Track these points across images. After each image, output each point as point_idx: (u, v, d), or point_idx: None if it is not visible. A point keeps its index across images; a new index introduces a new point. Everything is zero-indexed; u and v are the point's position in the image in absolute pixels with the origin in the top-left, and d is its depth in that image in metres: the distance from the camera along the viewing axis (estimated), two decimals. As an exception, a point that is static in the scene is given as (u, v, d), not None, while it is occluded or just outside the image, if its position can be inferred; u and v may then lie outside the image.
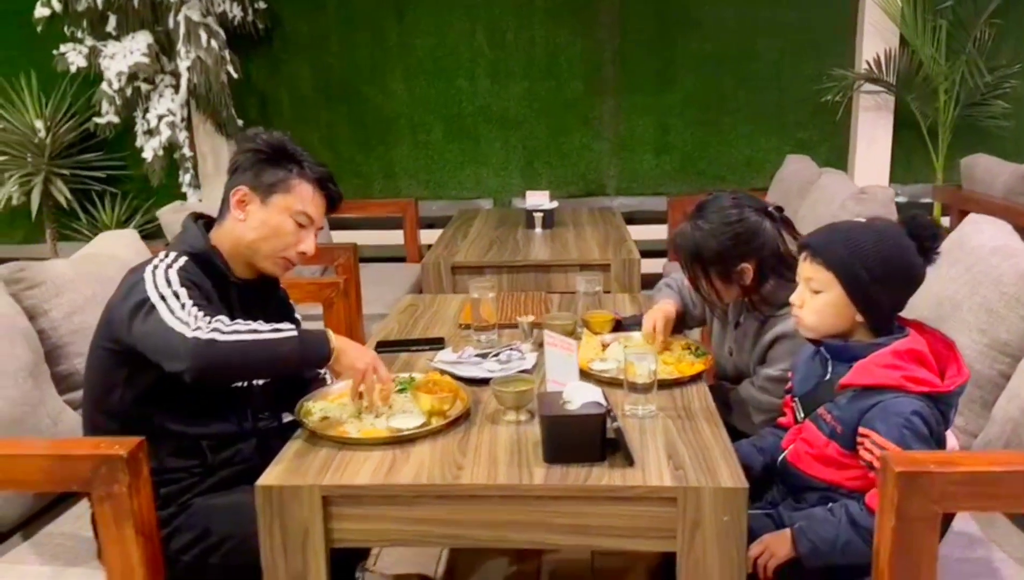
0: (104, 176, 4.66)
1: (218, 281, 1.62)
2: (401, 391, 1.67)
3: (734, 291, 1.83)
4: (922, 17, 4.13)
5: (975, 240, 2.06)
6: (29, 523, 1.73)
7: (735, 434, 1.74)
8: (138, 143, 4.24)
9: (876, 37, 4.30)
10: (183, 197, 4.31)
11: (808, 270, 1.50)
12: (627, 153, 4.67)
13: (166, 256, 1.59)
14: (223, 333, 1.43)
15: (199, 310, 1.46)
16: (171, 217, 3.03)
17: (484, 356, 1.87)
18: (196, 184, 4.31)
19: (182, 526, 1.54)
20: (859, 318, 1.47)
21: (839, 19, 4.40)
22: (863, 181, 4.15)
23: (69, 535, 1.69)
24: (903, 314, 1.51)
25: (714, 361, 1.96)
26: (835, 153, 4.51)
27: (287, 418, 1.79)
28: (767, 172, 4.29)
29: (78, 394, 1.94)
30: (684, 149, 4.64)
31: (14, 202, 4.48)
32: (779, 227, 1.83)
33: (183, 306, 1.46)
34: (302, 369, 1.61)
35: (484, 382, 1.71)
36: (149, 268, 1.54)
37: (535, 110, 4.64)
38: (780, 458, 1.59)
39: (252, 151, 1.66)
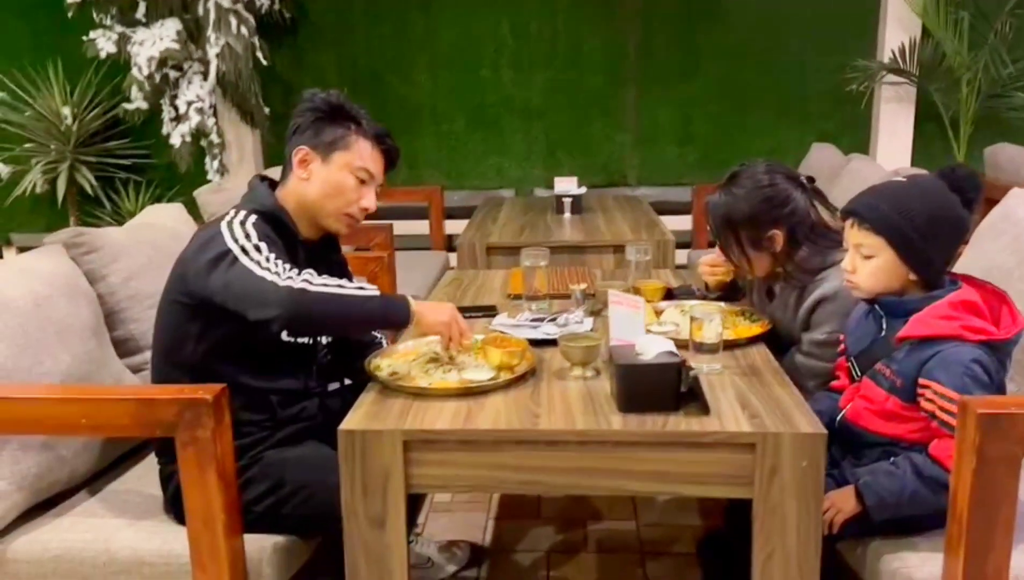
0: (129, 164, 4.68)
1: (287, 240, 1.64)
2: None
3: (765, 261, 1.84)
4: (944, 8, 4.16)
5: (1019, 212, 2.07)
6: (94, 480, 1.74)
7: None
8: (164, 130, 4.26)
9: (899, 28, 4.33)
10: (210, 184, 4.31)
11: (857, 236, 1.52)
12: (649, 144, 4.69)
13: (236, 213, 1.60)
14: (313, 285, 1.45)
15: (283, 262, 1.48)
16: (209, 197, 3.04)
17: (540, 321, 1.89)
18: (223, 171, 4.32)
19: (255, 477, 1.56)
20: (912, 277, 1.49)
21: (862, 10, 4.43)
22: (888, 164, 4.15)
23: (134, 491, 1.70)
24: (967, 264, 1.53)
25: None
26: (857, 143, 4.53)
27: (348, 382, 1.82)
28: (791, 162, 4.24)
29: (135, 359, 1.97)
30: (706, 140, 4.66)
31: (38, 190, 4.49)
32: (810, 196, 1.84)
33: (267, 258, 1.49)
34: (385, 328, 1.64)
35: (544, 343, 1.73)
36: (224, 223, 1.56)
37: (557, 101, 4.66)
38: (839, 418, 1.61)
39: (311, 110, 1.68)
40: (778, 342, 1.95)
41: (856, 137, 4.56)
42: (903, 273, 1.49)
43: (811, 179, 1.88)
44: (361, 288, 1.51)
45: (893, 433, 1.51)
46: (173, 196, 4.63)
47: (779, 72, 4.54)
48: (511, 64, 4.63)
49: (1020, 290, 1.87)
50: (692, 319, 1.59)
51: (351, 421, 1.40)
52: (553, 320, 1.89)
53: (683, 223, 4.45)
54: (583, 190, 3.69)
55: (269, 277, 1.45)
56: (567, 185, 3.69)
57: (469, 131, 4.72)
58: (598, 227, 3.33)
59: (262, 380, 1.61)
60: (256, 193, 1.68)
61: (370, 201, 1.70)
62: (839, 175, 3.44)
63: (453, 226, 4.37)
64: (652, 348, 1.45)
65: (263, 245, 1.51)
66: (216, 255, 1.50)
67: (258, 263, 1.47)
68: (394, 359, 1.66)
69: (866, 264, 1.51)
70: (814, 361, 1.84)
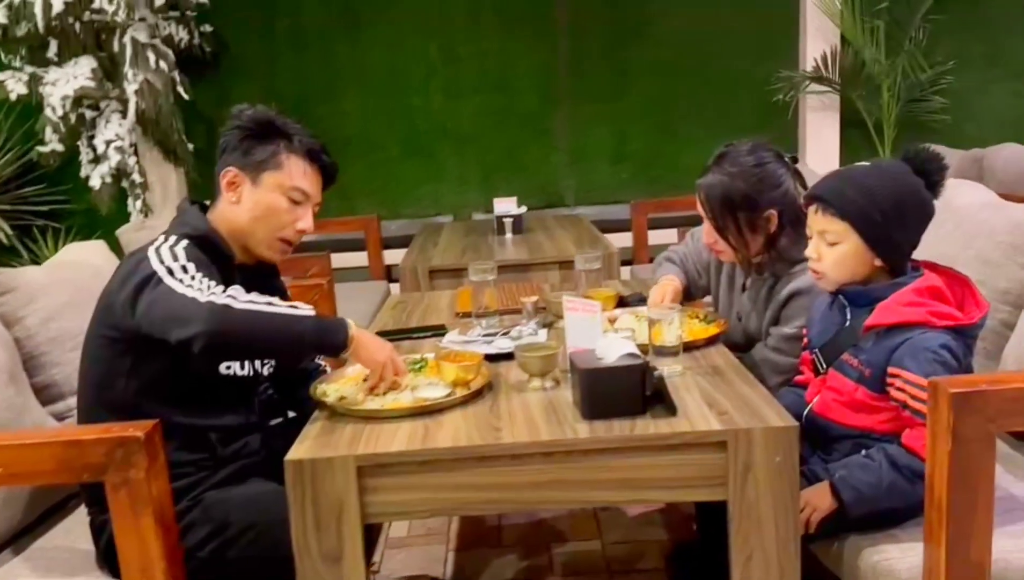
0: (46, 210, 4.48)
1: (222, 264, 1.54)
2: (417, 370, 1.61)
3: (759, 242, 1.83)
4: (860, 17, 4.30)
5: (959, 200, 2.10)
6: (18, 539, 1.60)
7: None
8: (83, 173, 4.09)
9: (819, 38, 4.45)
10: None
11: (821, 222, 1.50)
12: (584, 163, 4.70)
13: (166, 239, 1.51)
14: (238, 301, 1.36)
15: (210, 280, 1.39)
16: (133, 236, 2.91)
17: (493, 335, 1.83)
18: (147, 211, 4.16)
19: (197, 520, 1.45)
20: (878, 262, 1.48)
21: (784, 21, 4.53)
22: (817, 168, 4.24)
23: (63, 548, 1.57)
24: (916, 255, 1.52)
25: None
26: (786, 152, 4.59)
27: (292, 415, 1.72)
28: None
29: (58, 406, 1.84)
30: (640, 156, 4.69)
31: (-52, 240, 4.25)
32: (794, 177, 1.85)
33: (193, 277, 1.39)
34: (319, 352, 1.53)
35: (499, 358, 1.67)
36: (152, 248, 1.46)
37: (490, 124, 4.63)
38: (806, 412, 1.58)
39: (238, 128, 1.59)
40: (745, 337, 1.96)
41: (785, 146, 4.48)
42: (869, 259, 1.48)
43: (794, 158, 1.90)
44: (295, 306, 1.42)
45: (863, 425, 1.48)
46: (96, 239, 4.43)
47: (708, 86, 4.60)
48: (442, 89, 4.60)
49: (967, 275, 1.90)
50: (651, 322, 1.55)
51: (299, 450, 1.30)
52: (506, 334, 1.83)
53: (623, 240, 4.42)
54: (523, 210, 3.67)
55: (191, 294, 1.35)
56: (507, 206, 3.66)
57: (403, 159, 4.66)
58: (541, 245, 3.31)
59: (200, 417, 1.51)
60: (187, 216, 1.59)
61: (307, 222, 1.62)
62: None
63: (392, 256, 4.28)
64: (613, 351, 1.40)
65: (191, 265, 1.42)
66: (141, 280, 1.40)
67: (181, 281, 1.38)
68: (341, 384, 1.57)
69: (831, 251, 1.49)
70: (781, 356, 1.83)
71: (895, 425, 1.44)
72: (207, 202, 1.65)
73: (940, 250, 2.00)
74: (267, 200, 1.57)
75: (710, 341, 1.74)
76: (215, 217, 1.60)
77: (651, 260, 3.73)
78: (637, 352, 1.41)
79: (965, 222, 1.99)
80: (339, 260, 4.36)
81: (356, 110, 4.58)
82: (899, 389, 1.40)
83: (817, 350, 1.59)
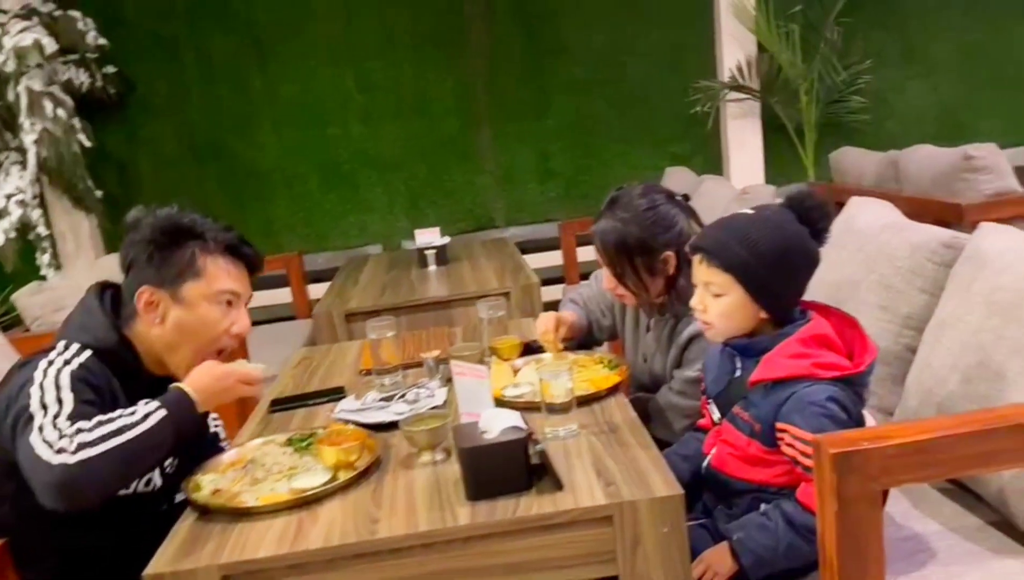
0: (-51, 269, 4.28)
1: (126, 380, 1.44)
2: (303, 447, 1.53)
3: (659, 284, 1.82)
4: (774, 23, 4.33)
5: (861, 221, 2.10)
6: None
7: (658, 445, 1.70)
8: (-15, 228, 3.92)
9: (735, 46, 4.48)
10: (42, 280, 3.99)
11: (705, 274, 1.47)
12: (510, 184, 4.68)
13: (66, 348, 1.40)
14: (89, 443, 1.25)
15: (81, 421, 1.28)
16: (29, 301, 2.78)
17: (390, 399, 1.77)
18: (56, 265, 4.01)
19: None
20: (763, 315, 1.45)
21: (700, 32, 4.56)
22: (741, 185, 4.26)
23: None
24: (817, 282, 1.50)
25: (629, 372, 1.93)
26: (711, 162, 4.64)
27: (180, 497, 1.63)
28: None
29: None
30: (566, 174, 4.68)
31: None
32: (688, 216, 1.85)
33: (54, 419, 1.28)
34: (184, 440, 1.44)
35: (393, 426, 1.61)
36: (43, 363, 1.36)
37: (413, 149, 4.59)
38: (705, 464, 1.56)
39: (141, 242, 1.48)
40: (652, 379, 1.96)
41: (708, 156, 4.67)
42: (754, 311, 1.45)
43: (686, 197, 1.90)
44: (146, 416, 1.32)
45: (759, 479, 1.45)
46: (5, 298, 4.26)
47: (627, 100, 4.61)
48: (360, 117, 4.53)
49: (868, 302, 1.89)
50: (540, 379, 1.51)
51: (159, 562, 1.22)
52: (403, 396, 1.77)
53: (554, 259, 4.42)
54: (446, 240, 3.61)
55: (45, 455, 1.24)
56: (429, 237, 3.60)
57: (324, 190, 4.58)
58: (463, 278, 3.27)
59: (95, 538, 1.41)
60: (91, 320, 1.45)
61: (242, 324, 1.52)
62: (694, 197, 3.43)
63: (320, 290, 4.18)
64: (497, 423, 1.35)
65: (68, 400, 1.31)
66: (17, 412, 1.31)
67: (41, 429, 1.26)
68: (219, 472, 1.49)
69: (716, 303, 1.46)
70: (685, 399, 1.82)
71: (790, 478, 1.41)
72: (118, 284, 1.52)
73: (844, 274, 2.01)
74: (195, 316, 1.46)
75: (612, 390, 1.71)
76: (132, 333, 1.48)
77: (584, 277, 3.73)
78: (521, 424, 1.35)
79: (867, 244, 1.99)
80: (265, 297, 4.26)
81: (273, 143, 4.49)
82: (789, 445, 1.37)
83: (712, 398, 1.56)
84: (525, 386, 1.74)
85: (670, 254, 1.79)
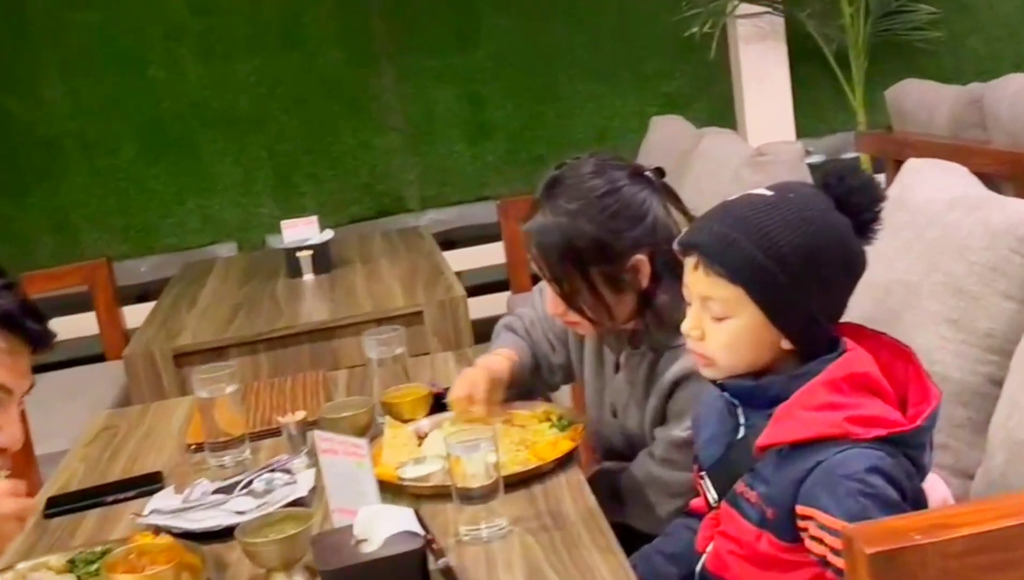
0: None
1: None
2: (91, 575, 1.51)
3: (628, 303, 1.83)
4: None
5: (921, 194, 2.11)
6: None
7: (634, 539, 1.73)
8: None
9: (746, -62, 4.52)
10: None
11: (704, 285, 1.47)
12: (427, 146, 4.68)
13: None
14: None
15: None
16: None
17: (229, 490, 1.76)
18: None
19: None
20: (787, 345, 1.46)
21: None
22: (760, 140, 4.30)
23: None
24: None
25: (589, 431, 1.94)
26: (718, 107, 4.68)
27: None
28: (630, 144, 4.38)
29: None
30: (509, 128, 4.69)
31: None
32: (664, 199, 1.86)
33: None
34: None
35: (230, 532, 1.58)
36: None
37: (279, 99, 4.57)
38: (699, 568, 1.56)
39: None
40: (624, 441, 1.97)
41: (715, 98, 4.72)
42: (773, 340, 1.45)
43: (660, 171, 1.90)
44: None
45: (775, 590, 1.45)
46: None
47: (596, 22, 4.63)
48: (196, 53, 4.50)
49: (931, 314, 1.91)
50: (448, 454, 1.53)
51: None
52: (249, 485, 1.76)
53: (492, 255, 4.43)
54: (328, 235, 3.59)
55: None
56: (303, 231, 3.58)
57: (145, 163, 4.54)
58: (353, 290, 3.27)
59: None
60: None
61: (11, 434, 1.51)
62: (687, 161, 3.49)
63: (140, 313, 4.11)
64: (380, 527, 1.37)
65: None
66: None
67: None
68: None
69: (719, 329, 1.46)
70: (673, 471, 1.82)
71: (821, 587, 1.41)
72: None
73: (895, 272, 2.02)
74: None
75: (562, 462, 1.72)
76: None
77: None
78: (416, 527, 1.36)
79: (929, 229, 1.99)
80: (59, 327, 4.17)
81: (63, 97, 4.44)
82: (815, 537, 1.36)
83: (706, 472, 1.56)
84: (434, 461, 1.75)
85: (641, 258, 1.79)
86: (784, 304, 1.43)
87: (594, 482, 1.89)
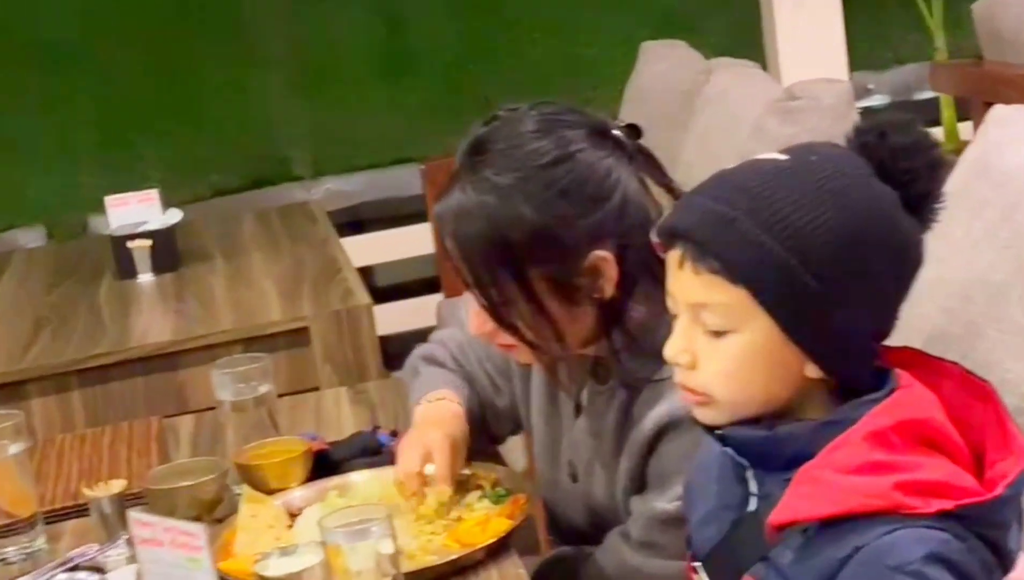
0: None
1: None
2: None
3: (587, 319, 1.84)
4: None
5: (1014, 156, 2.12)
6: None
7: None
8: None
9: None
10: None
11: (693, 289, 1.47)
12: (324, 87, 4.76)
13: None
14: None
15: None
16: None
17: None
18: None
19: None
20: (813, 372, 1.46)
21: None
22: (797, 76, 4.32)
23: None
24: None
25: (535, 500, 1.94)
26: (737, 30, 4.78)
27: None
28: (613, 82, 4.40)
29: None
30: (440, 62, 4.78)
31: None
32: (640, 170, 1.87)
33: None
34: None
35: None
36: None
37: (109, 23, 4.61)
38: None
39: None
40: (587, 512, 1.98)
41: (732, 20, 4.81)
42: (793, 366, 1.45)
43: (634, 130, 1.91)
44: None
45: None
46: None
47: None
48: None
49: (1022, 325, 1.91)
50: (324, 542, 1.54)
51: None
52: None
53: (415, 241, 4.45)
54: (176, 218, 3.59)
55: None
56: (136, 211, 3.60)
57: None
58: (211, 299, 3.29)
59: None
60: None
61: None
62: (690, 107, 3.51)
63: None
64: None
65: None
66: None
67: None
68: None
69: (717, 350, 1.46)
70: (656, 559, 1.83)
71: None
72: None
73: (971, 273, 2.03)
74: None
75: (498, 548, 1.74)
76: None
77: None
78: None
79: (1019, 211, 2.01)
80: None
81: None
82: (852, 652, 1.37)
83: (701, 562, 1.57)
84: (310, 551, 1.67)
85: (603, 256, 1.80)
86: (807, 312, 1.43)
87: (545, 574, 1.91)
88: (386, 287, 4.71)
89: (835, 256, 1.42)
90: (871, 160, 1.47)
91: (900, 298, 1.48)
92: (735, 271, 1.42)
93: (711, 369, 1.47)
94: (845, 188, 1.45)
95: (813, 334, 1.43)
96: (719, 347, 1.45)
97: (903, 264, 1.47)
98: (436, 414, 1.99)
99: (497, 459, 2.27)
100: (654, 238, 1.53)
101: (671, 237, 1.48)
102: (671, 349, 1.50)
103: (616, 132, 1.86)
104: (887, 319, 1.49)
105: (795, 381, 1.46)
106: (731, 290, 1.43)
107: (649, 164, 1.88)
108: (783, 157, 1.49)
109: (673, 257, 1.48)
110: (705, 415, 1.51)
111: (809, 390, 1.47)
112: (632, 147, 1.86)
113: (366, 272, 4.66)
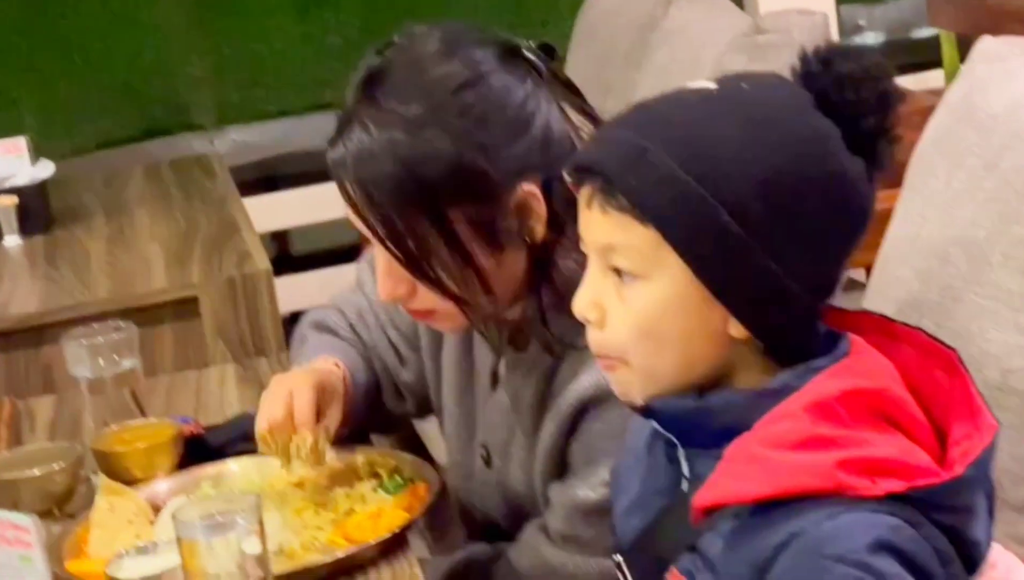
0: None
1: None
2: None
3: (514, 266, 1.88)
4: None
5: (999, 97, 2.14)
6: None
7: None
8: None
9: None
10: None
11: (600, 229, 1.50)
12: (228, 20, 4.78)
13: None
14: None
15: None
16: None
17: None
18: None
19: None
20: (737, 331, 1.47)
21: None
22: (776, 6, 4.35)
23: None
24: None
25: (444, 490, 1.96)
26: None
27: None
28: (562, 18, 4.43)
29: None
30: None
31: None
32: (558, 96, 1.90)
33: None
34: None
35: None
36: None
37: None
38: None
39: None
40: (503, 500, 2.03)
41: None
42: (715, 323, 1.46)
43: (548, 50, 1.93)
44: None
45: None
46: None
47: None
48: None
49: (1007, 290, 1.94)
50: (178, 538, 1.55)
51: None
52: None
53: (335, 203, 4.40)
54: (47, 171, 3.59)
55: None
56: (3, 164, 3.57)
57: None
58: (86, 265, 3.30)
59: None
60: None
61: None
62: (646, 43, 3.52)
63: None
64: None
65: None
66: None
67: None
68: None
69: (628, 302, 1.48)
70: (578, 556, 1.86)
71: None
72: None
73: (951, 231, 2.06)
74: None
75: (392, 546, 1.75)
76: None
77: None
78: None
79: (1006, 157, 2.02)
80: None
81: None
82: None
83: (622, 555, 1.58)
84: (172, 547, 1.68)
85: (531, 190, 1.83)
86: (725, 258, 1.45)
87: (456, 575, 1.93)
88: (303, 254, 4.78)
89: (759, 195, 1.43)
90: (813, 91, 1.48)
91: (843, 250, 1.49)
92: (644, 208, 1.44)
93: (621, 325, 1.48)
94: (777, 120, 1.46)
95: (733, 284, 1.45)
96: (629, 299, 1.47)
97: (844, 209, 1.48)
98: (301, 372, 2.03)
99: (419, 449, 2.29)
100: (565, 175, 1.54)
101: (581, 173, 1.50)
102: (579, 302, 1.51)
103: (527, 53, 1.88)
104: (827, 273, 1.49)
105: (719, 342, 1.47)
106: (641, 230, 1.44)
107: (567, 89, 1.90)
108: (712, 85, 1.50)
109: (583, 195, 1.49)
110: (620, 383, 1.52)
111: (741, 355, 1.48)
112: (547, 70, 1.89)
113: (280, 237, 4.72)
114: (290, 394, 1.91)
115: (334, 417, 1.95)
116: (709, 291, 1.44)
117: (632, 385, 1.51)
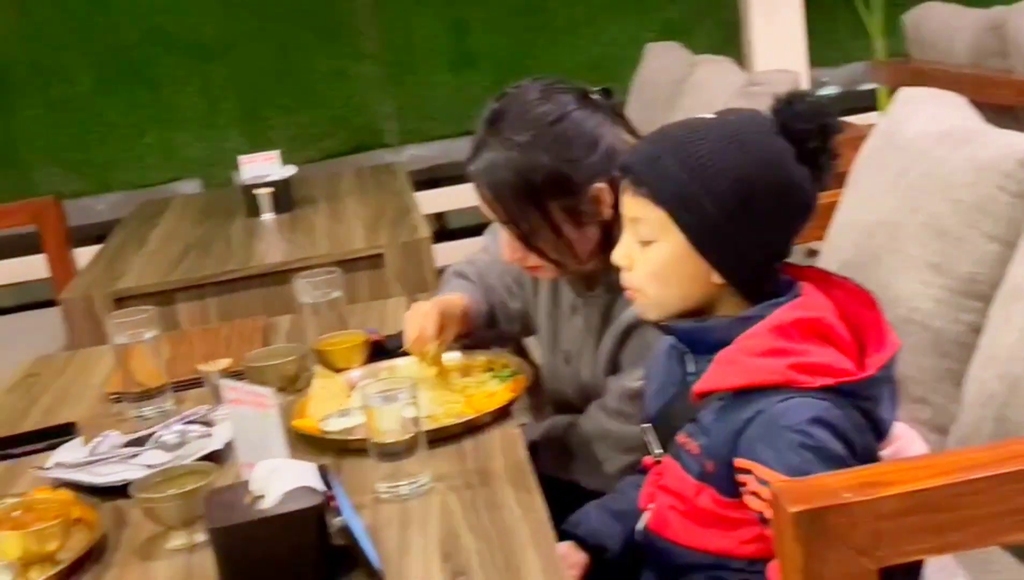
0: None
1: None
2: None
3: (592, 237, 1.84)
4: None
5: (911, 127, 2.07)
6: None
7: (584, 497, 1.74)
8: None
9: None
10: None
11: (632, 207, 1.50)
12: (408, 75, 4.71)
13: None
14: None
15: None
16: None
17: (141, 442, 1.75)
18: None
19: None
20: (717, 278, 1.46)
21: None
22: (768, 68, 4.26)
23: None
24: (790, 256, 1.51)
25: (538, 381, 1.96)
26: (722, 34, 4.69)
27: None
28: (625, 74, 4.36)
29: None
30: (496, 57, 4.70)
31: None
32: (614, 123, 1.87)
33: None
34: None
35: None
36: None
37: (246, 23, 4.59)
38: (640, 526, 1.56)
39: None
40: (579, 391, 1.99)
41: (720, 23, 4.72)
42: (701, 272, 1.46)
43: (607, 92, 1.91)
44: None
45: (717, 547, 1.45)
46: None
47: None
48: (158, -26, 4.49)
49: (913, 257, 1.89)
50: (367, 404, 1.53)
51: None
52: (161, 437, 1.75)
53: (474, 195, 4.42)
54: (290, 172, 3.59)
55: None
56: (262, 167, 3.58)
57: (103, 92, 4.56)
58: (313, 230, 3.29)
59: None
60: None
61: None
62: (679, 91, 3.47)
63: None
64: (277, 482, 1.35)
65: None
66: None
67: None
68: None
69: (646, 254, 1.49)
70: (625, 424, 1.82)
71: (763, 546, 1.40)
72: None
73: (880, 213, 2.00)
74: None
75: (500, 415, 1.74)
76: None
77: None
78: (317, 483, 1.35)
79: (915, 166, 1.96)
80: (5, 271, 4.23)
81: (12, 21, 4.43)
82: (753, 492, 1.36)
83: (652, 423, 1.56)
84: (359, 412, 1.71)
85: (602, 187, 1.80)
86: (710, 233, 1.44)
87: (544, 437, 1.92)
88: (455, 229, 4.74)
89: (731, 190, 1.43)
90: (779, 121, 1.46)
91: (791, 229, 1.48)
92: (658, 196, 1.45)
93: (642, 270, 1.50)
94: (748, 140, 1.45)
95: (713, 249, 1.45)
96: (647, 254, 1.48)
97: (789, 203, 1.47)
98: (436, 300, 2.00)
99: (523, 354, 2.28)
100: (615, 173, 1.57)
101: (622, 170, 1.52)
102: (617, 253, 1.53)
103: (594, 95, 1.87)
104: (780, 244, 1.49)
105: (705, 285, 1.47)
106: (656, 210, 1.45)
107: (620, 119, 1.88)
108: (710, 116, 1.51)
109: (624, 185, 1.51)
110: (640, 306, 1.54)
111: (720, 294, 1.48)
112: (607, 106, 1.87)
113: (440, 217, 4.71)
114: (420, 320, 1.91)
115: (450, 333, 1.93)
116: (698, 253, 1.45)
117: (648, 308, 1.52)
